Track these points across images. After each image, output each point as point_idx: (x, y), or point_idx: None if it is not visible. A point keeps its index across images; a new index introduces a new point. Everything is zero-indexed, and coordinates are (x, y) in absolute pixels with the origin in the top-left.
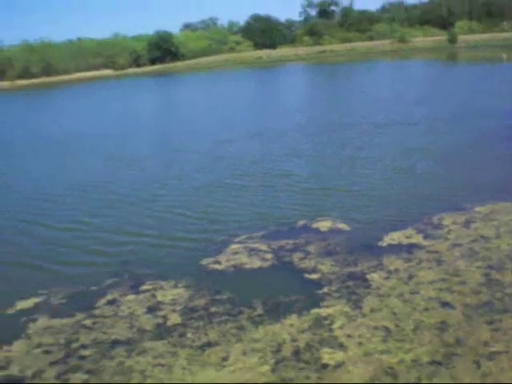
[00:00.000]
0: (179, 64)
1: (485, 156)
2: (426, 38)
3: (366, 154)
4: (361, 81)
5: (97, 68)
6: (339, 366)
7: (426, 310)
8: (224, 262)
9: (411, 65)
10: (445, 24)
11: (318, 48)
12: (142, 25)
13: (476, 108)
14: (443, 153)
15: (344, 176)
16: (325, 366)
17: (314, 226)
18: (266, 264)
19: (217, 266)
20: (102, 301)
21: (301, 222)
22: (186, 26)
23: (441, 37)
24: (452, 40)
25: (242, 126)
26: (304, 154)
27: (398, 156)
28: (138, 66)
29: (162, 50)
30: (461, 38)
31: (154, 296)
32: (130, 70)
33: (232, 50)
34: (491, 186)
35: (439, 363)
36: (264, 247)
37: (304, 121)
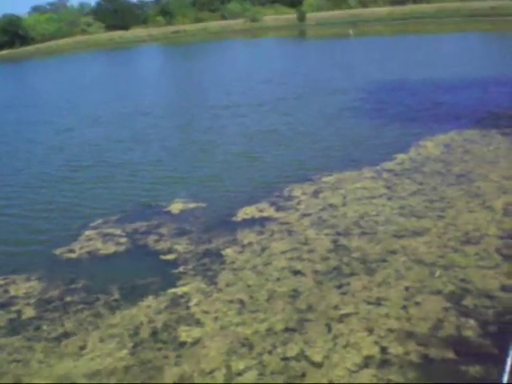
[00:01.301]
0: (29, 48)
1: (332, 131)
2: (277, 17)
3: (210, 138)
4: (213, 61)
5: None
6: (196, 342)
7: (279, 279)
8: (78, 249)
9: (263, 43)
10: (294, 2)
11: (171, 28)
12: None
13: (325, 84)
14: (289, 131)
15: (189, 160)
16: (182, 343)
17: (167, 209)
18: (121, 248)
19: (71, 255)
20: None
21: (154, 206)
22: (35, 9)
23: (291, 15)
24: (301, 18)
25: (83, 113)
26: (147, 139)
27: (242, 137)
28: None
29: (10, 33)
30: (310, 15)
31: (6, 291)
32: None
33: (84, 32)
34: (338, 157)
35: (293, 330)
36: (118, 231)
37: (147, 105)
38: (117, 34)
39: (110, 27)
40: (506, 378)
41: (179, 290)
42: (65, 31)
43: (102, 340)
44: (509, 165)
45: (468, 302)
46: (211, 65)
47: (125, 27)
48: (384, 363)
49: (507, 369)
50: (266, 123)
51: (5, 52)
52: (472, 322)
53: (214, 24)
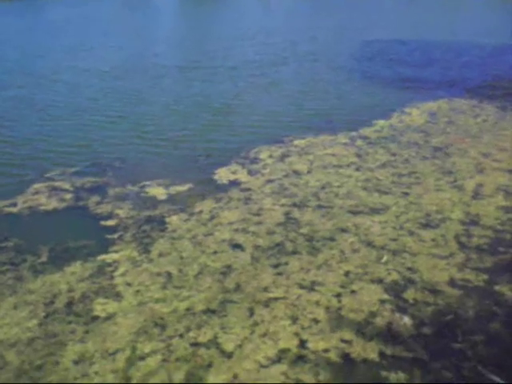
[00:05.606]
0: None
1: (315, 93)
2: None
3: (176, 106)
4: (217, 11)
5: None
6: (109, 317)
7: (215, 253)
8: (21, 203)
9: None
10: None
11: None
12: None
13: (316, 46)
14: (266, 94)
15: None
16: (95, 318)
17: (129, 167)
18: (63, 205)
19: (12, 209)
20: None
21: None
22: None
23: None
24: None
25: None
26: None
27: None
28: None
29: None
30: None
31: None
32: None
33: None
34: (316, 120)
35: (213, 311)
36: (67, 186)
37: (108, 58)
38: None
39: None
40: None
41: (109, 257)
42: None
43: (15, 307)
44: (491, 141)
45: (409, 295)
46: (211, 16)
47: None
48: (298, 359)
49: None
50: (235, 88)
51: None
52: (407, 319)
53: None
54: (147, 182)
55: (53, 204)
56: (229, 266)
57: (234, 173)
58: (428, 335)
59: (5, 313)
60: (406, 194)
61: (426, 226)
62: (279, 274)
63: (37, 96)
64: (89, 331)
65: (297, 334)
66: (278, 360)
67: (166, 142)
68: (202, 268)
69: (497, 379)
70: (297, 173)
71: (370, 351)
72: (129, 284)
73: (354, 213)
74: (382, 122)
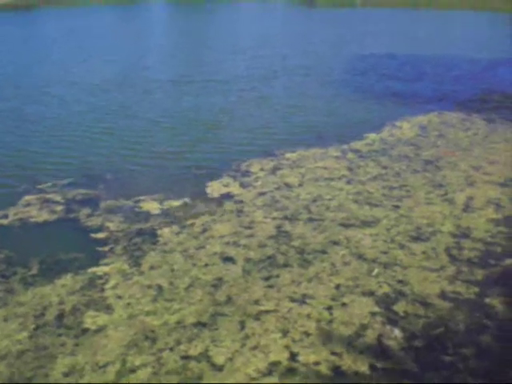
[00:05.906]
0: None
1: (306, 107)
2: None
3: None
4: (208, 25)
5: None
6: (100, 330)
7: (206, 265)
8: (12, 215)
9: (270, 9)
10: None
11: None
12: None
13: (306, 60)
14: (257, 108)
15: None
16: (85, 330)
17: (120, 179)
18: (53, 217)
19: (2, 221)
20: None
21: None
22: None
23: None
24: None
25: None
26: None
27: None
28: None
29: None
30: None
31: None
32: None
33: None
34: (306, 134)
35: (203, 324)
36: (58, 198)
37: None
38: None
39: None
40: None
41: (100, 270)
42: None
43: (5, 319)
44: (481, 154)
45: (399, 307)
46: (203, 29)
47: None
48: (289, 372)
49: None
50: (236, 99)
51: None
52: (397, 332)
53: None
54: (138, 195)
55: (44, 216)
56: (220, 279)
57: (226, 186)
58: (419, 348)
59: None
60: (397, 206)
61: (417, 238)
62: (270, 286)
63: (28, 108)
64: (79, 344)
65: (287, 347)
66: (268, 373)
67: (157, 155)
68: (193, 281)
69: None
70: (288, 186)
71: (361, 364)
72: (119, 297)
73: (345, 226)
74: (373, 136)
